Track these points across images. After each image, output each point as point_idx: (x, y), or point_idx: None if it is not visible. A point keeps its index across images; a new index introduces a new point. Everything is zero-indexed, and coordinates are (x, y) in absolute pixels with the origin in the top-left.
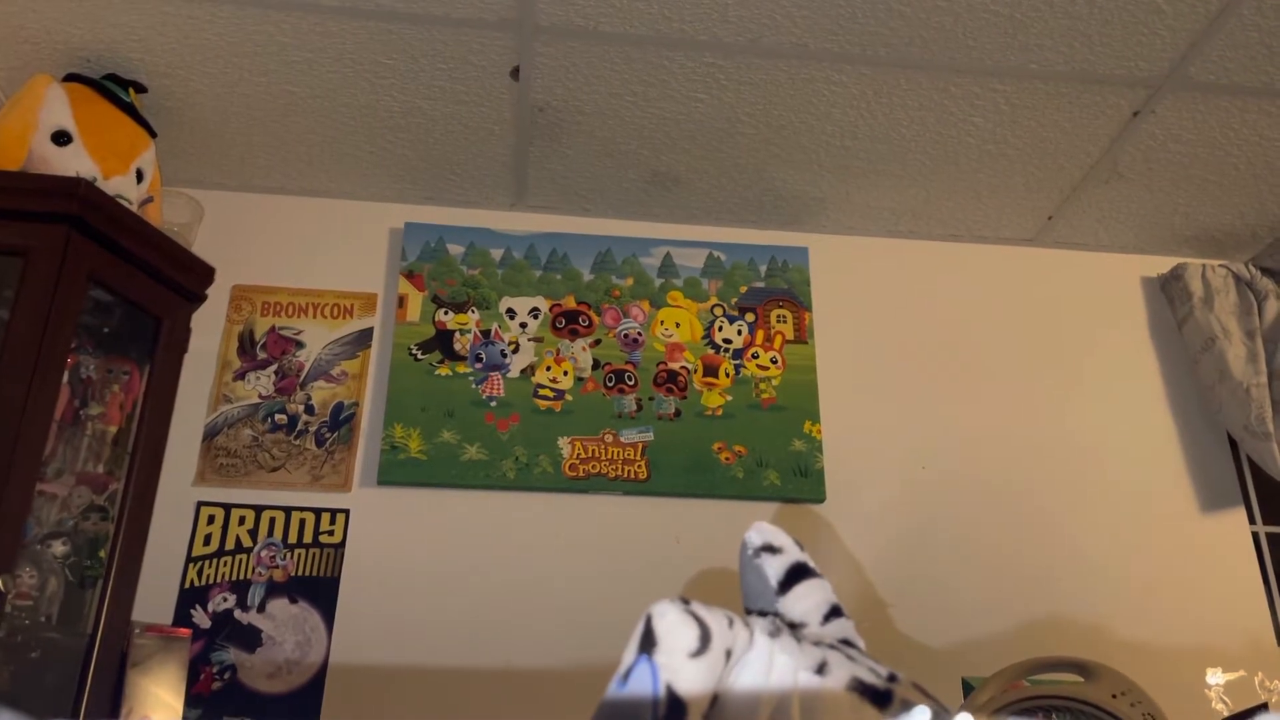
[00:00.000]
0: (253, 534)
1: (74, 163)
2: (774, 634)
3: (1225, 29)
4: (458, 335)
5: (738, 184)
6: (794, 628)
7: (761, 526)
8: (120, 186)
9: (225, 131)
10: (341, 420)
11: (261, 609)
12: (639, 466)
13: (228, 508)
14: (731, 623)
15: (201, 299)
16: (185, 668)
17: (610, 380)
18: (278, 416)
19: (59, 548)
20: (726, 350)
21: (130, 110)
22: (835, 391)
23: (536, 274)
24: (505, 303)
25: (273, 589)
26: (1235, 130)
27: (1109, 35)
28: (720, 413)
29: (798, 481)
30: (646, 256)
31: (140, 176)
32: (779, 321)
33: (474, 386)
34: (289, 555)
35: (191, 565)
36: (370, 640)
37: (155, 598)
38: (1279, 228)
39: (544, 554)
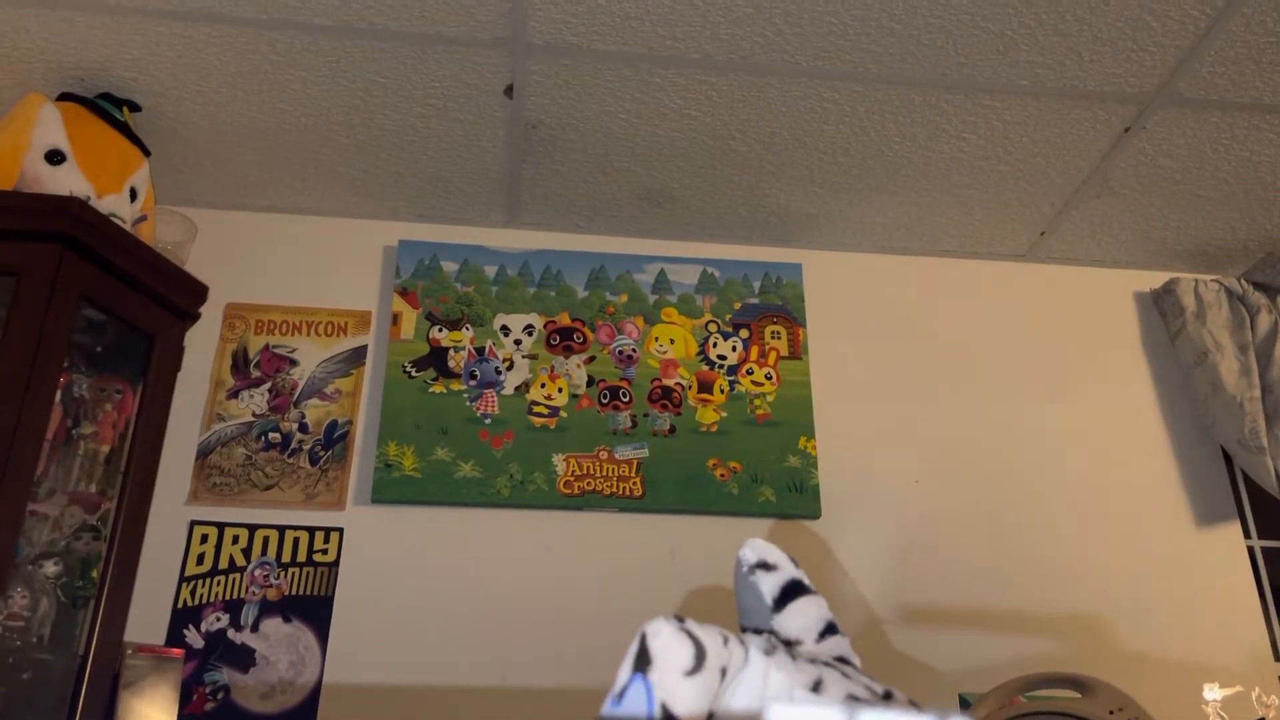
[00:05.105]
0: (246, 553)
1: (67, 181)
2: (769, 651)
3: (1214, 45)
4: (452, 352)
5: (731, 200)
6: (789, 645)
7: (756, 543)
8: (114, 205)
9: (219, 150)
10: (335, 438)
11: (255, 628)
12: (634, 483)
13: (221, 527)
14: (726, 640)
15: (195, 317)
16: (178, 688)
17: (605, 397)
18: (271, 435)
19: (51, 568)
20: (721, 366)
21: (124, 129)
22: (830, 407)
23: (530, 291)
24: (499, 320)
25: (266, 608)
26: (1225, 145)
27: (1099, 52)
28: (715, 429)
29: (793, 498)
30: (640, 273)
31: (134, 195)
32: (773, 338)
33: (468, 404)
34: (282, 574)
35: (184, 585)
36: (364, 659)
37: (148, 618)
38: (1270, 242)
39: (539, 571)
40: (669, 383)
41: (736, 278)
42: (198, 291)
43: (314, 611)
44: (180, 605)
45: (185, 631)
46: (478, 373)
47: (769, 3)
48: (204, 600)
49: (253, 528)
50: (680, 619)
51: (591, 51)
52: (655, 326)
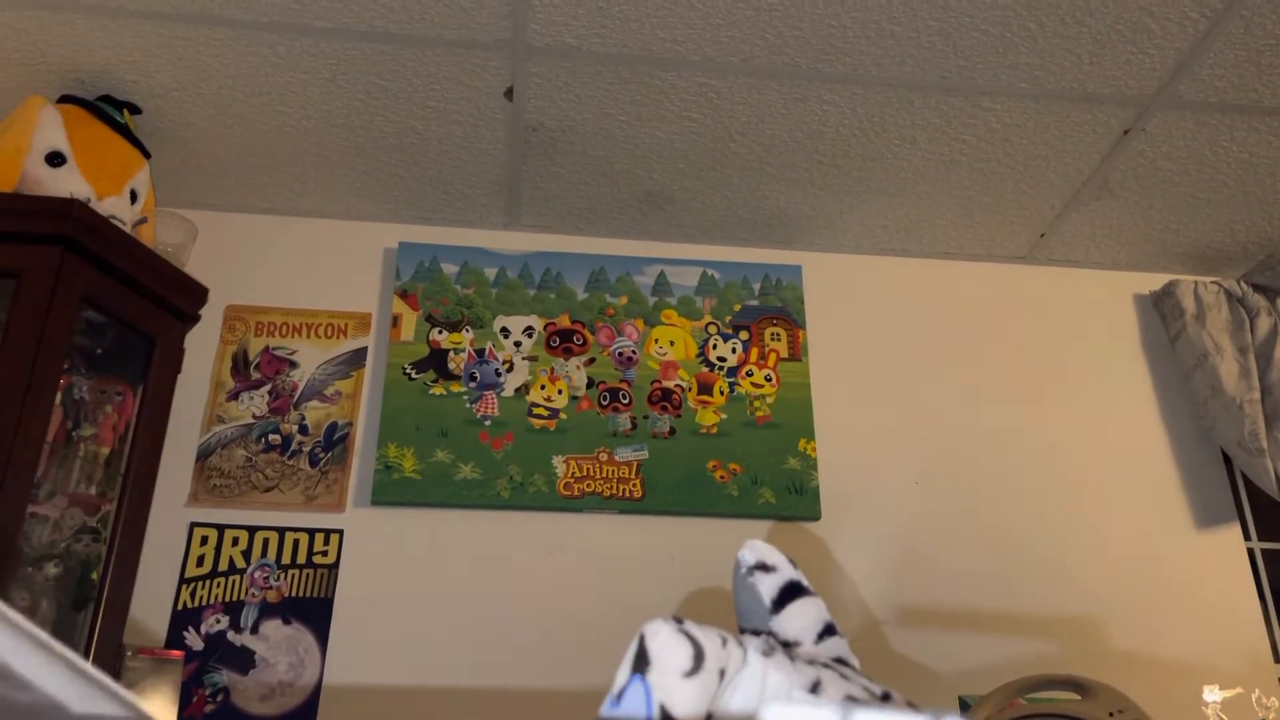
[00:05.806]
0: (246, 555)
1: (68, 184)
2: (768, 653)
3: (1214, 48)
4: (452, 354)
5: (731, 203)
6: (788, 646)
7: (755, 545)
8: (114, 207)
9: (219, 152)
10: (335, 440)
11: (255, 630)
12: (634, 485)
13: (221, 529)
14: (725, 642)
15: (195, 319)
16: (178, 690)
17: (605, 399)
18: (271, 437)
19: (51, 570)
20: (721, 368)
21: (124, 131)
22: (830, 409)
23: (530, 293)
24: (499, 321)
25: (266, 610)
26: (1225, 147)
27: (1099, 54)
28: (715, 431)
29: (792, 499)
30: (640, 275)
31: (134, 197)
32: (773, 339)
33: (468, 405)
34: (282, 576)
35: (184, 587)
36: (364, 661)
37: (148, 620)
38: (1270, 244)
39: (538, 573)
40: (669, 384)
41: (736, 280)
42: (198, 293)
43: (314, 613)
44: (180, 607)
45: (185, 633)
46: (478, 374)
47: (769, 5)
48: (204, 602)
49: (253, 529)
50: (679, 620)
51: (591, 54)
52: (655, 328)
